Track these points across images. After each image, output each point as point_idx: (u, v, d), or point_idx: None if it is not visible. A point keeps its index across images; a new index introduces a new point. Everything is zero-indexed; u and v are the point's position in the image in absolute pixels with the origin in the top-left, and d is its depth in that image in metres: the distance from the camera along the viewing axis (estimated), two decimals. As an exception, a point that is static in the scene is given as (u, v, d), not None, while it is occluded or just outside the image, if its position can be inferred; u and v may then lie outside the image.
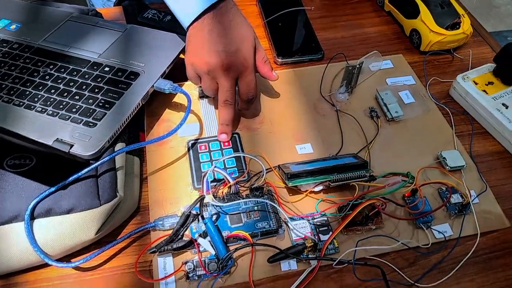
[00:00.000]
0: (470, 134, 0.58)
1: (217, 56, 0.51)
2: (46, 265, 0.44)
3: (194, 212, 0.46)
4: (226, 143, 0.56)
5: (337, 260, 0.44)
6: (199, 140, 0.56)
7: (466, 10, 0.69)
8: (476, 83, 0.60)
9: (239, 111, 0.58)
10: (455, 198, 0.50)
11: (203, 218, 0.46)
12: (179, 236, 0.45)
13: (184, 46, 0.59)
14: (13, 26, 0.63)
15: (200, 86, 0.56)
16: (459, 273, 0.46)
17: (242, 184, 0.51)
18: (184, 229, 0.45)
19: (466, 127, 0.59)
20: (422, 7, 0.67)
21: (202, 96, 0.61)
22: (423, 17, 0.66)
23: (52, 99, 0.52)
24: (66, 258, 0.45)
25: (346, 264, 0.46)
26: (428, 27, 0.66)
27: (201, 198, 0.45)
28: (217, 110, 0.58)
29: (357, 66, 0.58)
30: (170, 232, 0.46)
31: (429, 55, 0.68)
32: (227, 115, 0.55)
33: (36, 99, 0.52)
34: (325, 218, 0.49)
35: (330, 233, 0.47)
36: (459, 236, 0.48)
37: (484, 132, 0.59)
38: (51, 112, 0.50)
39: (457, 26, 0.66)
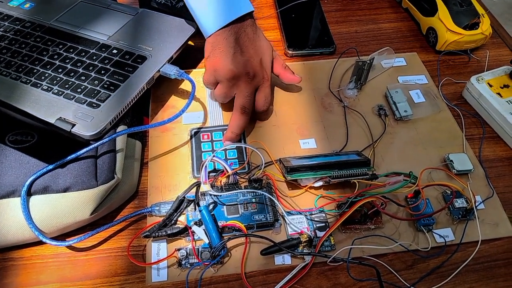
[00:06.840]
0: (480, 138, 0.56)
1: (243, 65, 0.52)
2: (41, 242, 0.44)
3: (190, 198, 0.46)
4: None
5: (331, 257, 0.43)
6: (202, 129, 0.55)
7: (487, 9, 0.66)
8: (490, 85, 0.58)
9: None
10: (460, 203, 0.49)
11: (198, 205, 0.46)
12: (172, 221, 0.45)
13: (193, 33, 0.58)
14: (27, 5, 0.63)
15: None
16: (458, 280, 0.45)
17: (241, 176, 0.50)
18: (178, 214, 0.45)
19: (477, 130, 0.57)
20: (441, 5, 0.65)
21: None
22: (441, 15, 0.64)
23: (58, 78, 0.52)
24: (61, 237, 0.46)
25: (341, 262, 0.45)
26: (445, 26, 0.63)
27: (197, 184, 0.45)
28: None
29: (368, 61, 0.56)
30: (166, 218, 0.46)
31: (445, 55, 0.66)
32: (240, 122, 0.53)
33: (43, 78, 0.52)
34: (323, 215, 0.48)
35: (328, 229, 0.46)
36: (460, 242, 0.46)
37: (495, 137, 0.57)
38: (56, 91, 0.51)
39: (476, 26, 0.64)
